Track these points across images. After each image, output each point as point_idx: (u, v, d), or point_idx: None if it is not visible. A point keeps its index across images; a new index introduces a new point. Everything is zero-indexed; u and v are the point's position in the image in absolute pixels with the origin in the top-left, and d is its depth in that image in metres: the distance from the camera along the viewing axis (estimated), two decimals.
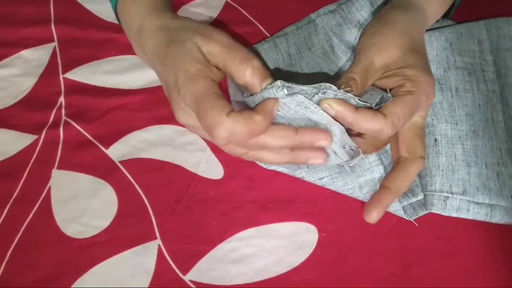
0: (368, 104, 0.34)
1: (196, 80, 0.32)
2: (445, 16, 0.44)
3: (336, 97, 0.33)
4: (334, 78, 0.44)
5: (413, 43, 0.37)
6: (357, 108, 0.33)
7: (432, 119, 0.40)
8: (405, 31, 0.37)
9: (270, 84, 0.33)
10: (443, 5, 0.42)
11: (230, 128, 0.30)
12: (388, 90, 0.36)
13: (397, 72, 0.36)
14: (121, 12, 0.41)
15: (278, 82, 0.32)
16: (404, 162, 0.37)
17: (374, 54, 0.36)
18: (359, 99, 0.33)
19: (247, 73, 0.33)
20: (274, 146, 0.33)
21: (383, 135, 0.33)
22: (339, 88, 0.33)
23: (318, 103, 0.33)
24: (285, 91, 0.32)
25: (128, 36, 0.42)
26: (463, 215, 0.39)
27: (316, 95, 0.32)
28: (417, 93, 0.34)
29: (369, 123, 0.33)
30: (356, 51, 0.38)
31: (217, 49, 0.34)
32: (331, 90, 0.32)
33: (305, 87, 0.32)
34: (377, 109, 0.34)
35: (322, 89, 0.32)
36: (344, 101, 0.33)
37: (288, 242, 0.40)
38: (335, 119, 0.33)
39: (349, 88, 0.33)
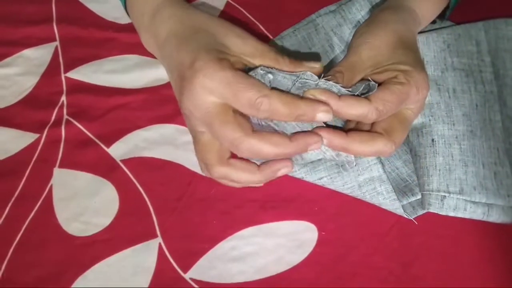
0: (351, 92, 0.34)
1: (223, 64, 0.32)
2: (441, 17, 0.44)
3: (317, 86, 0.33)
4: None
5: (404, 41, 0.37)
6: (340, 96, 0.33)
7: (430, 120, 0.40)
8: (396, 30, 0.37)
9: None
10: (435, 7, 0.42)
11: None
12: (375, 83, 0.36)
13: (389, 67, 0.36)
14: (130, 5, 0.41)
15: (259, 70, 0.33)
16: (373, 134, 0.35)
17: (363, 50, 0.36)
18: (341, 86, 0.34)
19: (286, 61, 0.35)
20: (269, 154, 0.33)
21: (368, 119, 0.33)
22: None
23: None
24: (270, 76, 0.33)
25: (137, 24, 0.42)
26: (460, 214, 0.39)
27: (296, 83, 0.33)
28: (408, 84, 0.34)
29: (352, 108, 0.33)
30: (347, 50, 0.39)
31: (248, 47, 0.35)
32: (311, 79, 0.33)
33: (287, 74, 0.34)
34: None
35: (302, 78, 0.33)
36: (327, 90, 0.33)
37: (288, 241, 0.40)
38: None
39: (330, 76, 0.34)
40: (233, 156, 0.36)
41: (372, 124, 0.36)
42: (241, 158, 0.36)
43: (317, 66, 0.36)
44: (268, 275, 0.39)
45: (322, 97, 0.33)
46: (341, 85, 0.34)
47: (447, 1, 0.43)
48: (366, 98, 0.34)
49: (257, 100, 0.31)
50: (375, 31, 0.37)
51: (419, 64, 0.37)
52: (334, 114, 0.33)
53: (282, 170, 0.36)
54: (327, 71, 0.44)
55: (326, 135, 0.34)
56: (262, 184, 0.38)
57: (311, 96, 0.33)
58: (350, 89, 0.34)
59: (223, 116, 0.32)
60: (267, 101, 0.31)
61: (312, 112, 0.32)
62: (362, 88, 0.35)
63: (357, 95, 0.34)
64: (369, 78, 0.36)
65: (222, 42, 0.34)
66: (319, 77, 0.34)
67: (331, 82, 0.34)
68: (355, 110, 0.33)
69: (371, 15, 0.41)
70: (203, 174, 0.39)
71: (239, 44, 0.35)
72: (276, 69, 0.34)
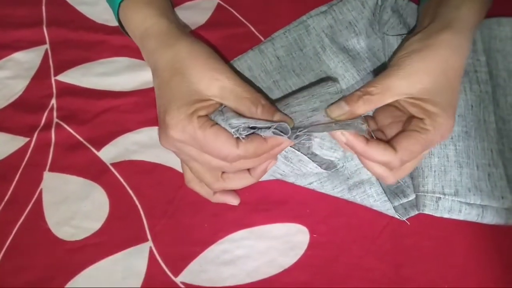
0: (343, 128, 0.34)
1: (192, 121, 0.33)
2: None
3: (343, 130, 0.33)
4: (325, 79, 0.44)
5: (448, 76, 0.35)
6: (368, 141, 0.33)
7: None
8: (447, 60, 0.34)
9: (279, 119, 0.35)
10: (484, 10, 0.39)
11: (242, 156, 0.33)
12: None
13: (420, 104, 0.34)
14: (124, 14, 0.41)
15: (233, 127, 0.33)
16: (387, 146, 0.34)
17: (402, 77, 0.34)
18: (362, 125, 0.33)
19: (258, 111, 0.35)
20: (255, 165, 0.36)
21: (391, 167, 0.34)
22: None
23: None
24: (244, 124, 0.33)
25: (132, 38, 0.42)
26: (455, 215, 0.39)
27: (267, 131, 0.33)
28: (433, 133, 0.33)
29: (378, 156, 0.33)
30: (392, 59, 0.36)
31: (223, 90, 0.35)
32: (282, 134, 0.33)
33: (260, 123, 0.34)
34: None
35: (274, 132, 0.33)
36: (356, 133, 0.33)
37: (280, 244, 0.40)
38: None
39: (360, 93, 0.34)
40: None
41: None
42: None
43: (342, 112, 0.34)
44: (260, 278, 0.39)
45: (351, 137, 0.33)
46: (365, 125, 0.33)
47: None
48: (391, 143, 0.33)
49: (227, 158, 0.33)
50: (424, 54, 0.35)
51: (451, 108, 0.34)
52: (359, 156, 0.34)
53: (270, 165, 0.37)
54: (326, 78, 0.44)
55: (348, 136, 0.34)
56: None
57: (341, 136, 0.33)
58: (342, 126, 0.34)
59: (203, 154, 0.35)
60: (235, 157, 0.33)
61: (277, 149, 0.34)
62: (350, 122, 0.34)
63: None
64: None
65: (196, 88, 0.35)
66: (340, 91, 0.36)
67: (362, 126, 0.33)
68: (380, 157, 0.33)
69: (428, 29, 0.36)
70: (202, 195, 0.40)
71: (213, 88, 0.35)
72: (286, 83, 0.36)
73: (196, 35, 0.47)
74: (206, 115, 0.34)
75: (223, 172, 0.37)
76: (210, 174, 0.36)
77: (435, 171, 0.39)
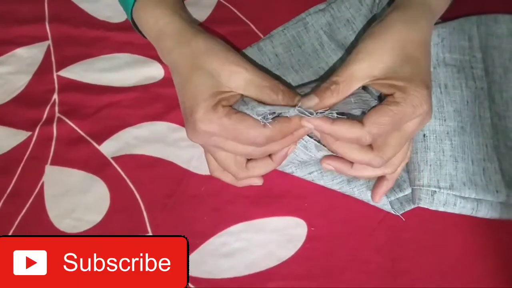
0: (346, 114, 0.35)
1: (218, 111, 0.34)
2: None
3: (313, 116, 0.34)
4: (324, 77, 0.45)
5: (407, 48, 0.35)
6: (334, 120, 0.34)
7: None
8: (400, 33, 0.35)
9: (299, 101, 0.35)
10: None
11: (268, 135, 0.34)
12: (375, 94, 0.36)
13: (386, 83, 0.35)
14: (137, 14, 0.42)
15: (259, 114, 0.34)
16: (364, 147, 0.35)
17: (362, 60, 0.35)
18: (336, 113, 0.34)
19: (279, 98, 0.35)
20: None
21: (363, 142, 0.34)
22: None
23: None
24: (262, 110, 0.34)
25: (147, 37, 0.43)
26: (450, 209, 0.39)
27: (291, 110, 0.34)
28: (403, 104, 0.33)
29: (346, 133, 0.33)
30: (353, 49, 0.38)
31: (242, 82, 0.36)
32: (306, 112, 0.34)
33: (281, 108, 0.34)
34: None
35: (299, 110, 0.34)
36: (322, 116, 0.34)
37: (278, 236, 0.40)
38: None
39: (326, 85, 0.35)
40: None
41: None
42: None
43: (313, 103, 0.35)
44: (258, 270, 0.39)
45: (317, 121, 0.33)
46: (336, 112, 0.34)
47: None
48: (360, 121, 0.34)
49: (255, 140, 0.34)
50: (379, 35, 0.36)
51: (419, 77, 0.35)
52: (329, 137, 0.35)
53: (290, 150, 0.38)
54: (325, 76, 0.45)
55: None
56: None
57: (307, 123, 0.34)
58: (344, 115, 0.34)
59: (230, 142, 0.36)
60: (263, 139, 0.34)
61: (301, 131, 0.35)
62: (354, 102, 0.35)
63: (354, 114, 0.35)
64: (366, 91, 0.36)
65: (217, 81, 0.36)
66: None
67: (326, 114, 0.34)
68: (348, 134, 0.33)
69: (382, 15, 0.39)
70: (226, 182, 0.40)
71: (233, 80, 0.36)
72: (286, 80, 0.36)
73: (206, 29, 0.47)
74: (230, 106, 0.35)
75: (247, 162, 0.38)
76: (236, 164, 0.37)
77: (430, 165, 0.40)
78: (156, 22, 0.40)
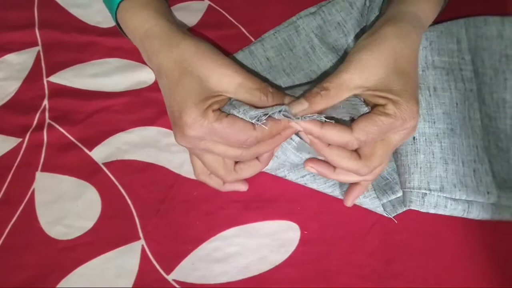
0: (331, 115, 0.35)
1: (207, 115, 0.34)
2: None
3: (301, 120, 0.34)
4: (315, 79, 0.45)
5: (399, 62, 0.36)
6: (323, 123, 0.34)
7: None
8: (394, 47, 0.36)
9: (289, 101, 0.36)
10: (436, 6, 0.41)
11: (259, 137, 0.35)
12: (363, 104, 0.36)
13: (379, 94, 0.35)
14: (122, 16, 0.41)
15: (243, 108, 0.35)
16: (352, 154, 0.35)
17: (356, 69, 0.35)
18: (325, 117, 0.34)
19: (269, 99, 0.36)
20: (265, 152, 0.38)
21: (350, 148, 0.35)
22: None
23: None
24: (254, 114, 0.34)
25: (131, 40, 0.42)
26: (441, 211, 0.39)
27: (278, 113, 0.34)
28: (393, 116, 0.34)
29: (334, 136, 0.34)
30: (346, 57, 0.37)
31: (231, 85, 0.36)
32: (294, 116, 0.34)
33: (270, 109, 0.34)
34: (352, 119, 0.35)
35: (284, 113, 0.34)
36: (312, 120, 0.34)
37: (271, 241, 0.40)
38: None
39: (316, 90, 0.35)
40: None
41: None
42: None
43: (302, 108, 0.35)
44: (251, 275, 0.39)
45: (306, 124, 0.34)
46: (324, 116, 0.34)
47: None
48: (349, 127, 0.34)
49: (245, 142, 0.35)
50: (372, 48, 0.36)
51: (410, 92, 0.35)
52: (317, 139, 0.35)
53: (275, 149, 0.38)
54: (316, 78, 0.45)
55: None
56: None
57: (296, 125, 0.34)
58: (333, 119, 0.34)
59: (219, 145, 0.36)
60: (253, 140, 0.35)
61: (289, 131, 0.36)
62: (342, 107, 0.35)
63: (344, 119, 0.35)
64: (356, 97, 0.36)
65: (206, 85, 0.36)
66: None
67: (314, 116, 0.34)
68: (336, 138, 0.34)
69: (373, 26, 0.39)
70: (211, 186, 0.41)
71: (223, 84, 0.36)
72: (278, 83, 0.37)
73: (194, 33, 0.47)
74: (219, 109, 0.36)
75: (235, 164, 0.38)
76: (225, 167, 0.38)
77: (421, 168, 0.40)
78: (142, 24, 0.40)
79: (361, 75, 0.35)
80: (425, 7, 0.39)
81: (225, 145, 0.35)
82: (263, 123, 0.34)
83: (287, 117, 0.34)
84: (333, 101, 0.35)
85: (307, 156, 0.38)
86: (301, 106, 0.34)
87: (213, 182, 0.40)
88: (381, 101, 0.35)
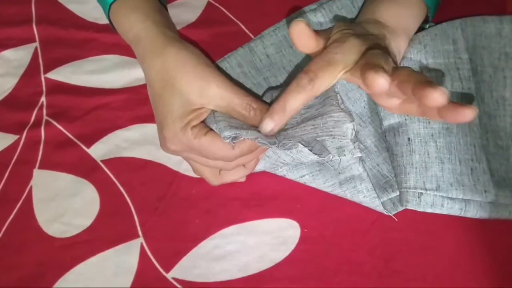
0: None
1: (187, 132, 0.35)
2: (425, 21, 0.44)
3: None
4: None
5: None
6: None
7: (405, 119, 0.41)
8: (365, 40, 0.34)
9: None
10: (408, 13, 0.41)
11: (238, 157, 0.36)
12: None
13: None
14: (114, 18, 0.41)
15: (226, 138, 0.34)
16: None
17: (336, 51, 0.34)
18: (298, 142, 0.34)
19: (251, 115, 0.36)
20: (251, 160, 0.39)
21: None
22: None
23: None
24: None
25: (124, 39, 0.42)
26: (437, 210, 0.39)
27: (254, 139, 0.34)
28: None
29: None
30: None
31: (215, 99, 0.36)
32: (268, 144, 0.34)
33: (249, 137, 0.34)
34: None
35: (260, 142, 0.34)
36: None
37: (271, 238, 0.40)
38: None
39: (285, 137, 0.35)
40: None
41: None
42: None
43: (269, 128, 0.33)
44: (251, 273, 0.39)
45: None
46: (297, 140, 0.34)
47: (425, 8, 0.42)
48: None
49: (224, 159, 0.36)
50: (344, 40, 0.34)
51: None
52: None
53: (261, 155, 0.40)
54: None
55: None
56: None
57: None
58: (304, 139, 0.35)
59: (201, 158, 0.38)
60: (232, 157, 0.36)
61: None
62: (316, 110, 0.36)
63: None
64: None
65: (187, 98, 0.35)
66: None
67: (286, 144, 0.34)
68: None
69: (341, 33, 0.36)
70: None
71: (204, 96, 0.35)
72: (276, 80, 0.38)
73: (185, 33, 0.47)
74: (201, 123, 0.36)
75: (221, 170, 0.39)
76: (210, 172, 0.39)
77: (416, 168, 0.40)
78: (131, 28, 0.40)
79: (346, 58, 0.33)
80: (393, 15, 0.40)
81: (205, 159, 0.36)
82: (240, 140, 0.34)
83: (264, 144, 0.34)
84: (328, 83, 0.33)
85: (297, 154, 0.38)
86: (268, 126, 0.33)
87: (206, 180, 0.41)
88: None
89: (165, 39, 0.38)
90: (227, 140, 0.34)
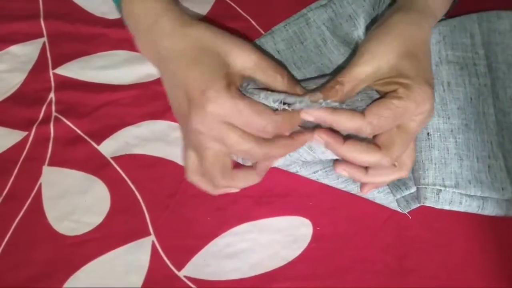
0: (351, 107, 0.35)
1: (232, 94, 0.33)
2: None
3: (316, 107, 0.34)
4: (329, 74, 0.44)
5: (410, 47, 0.36)
6: (335, 109, 0.34)
7: None
8: (403, 34, 0.36)
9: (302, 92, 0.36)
10: None
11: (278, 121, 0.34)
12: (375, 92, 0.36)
13: (390, 81, 0.35)
14: (128, 7, 0.40)
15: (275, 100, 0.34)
16: (369, 147, 0.35)
17: (366, 62, 0.35)
18: (339, 104, 0.34)
19: (285, 81, 0.35)
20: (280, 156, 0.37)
21: (363, 133, 0.34)
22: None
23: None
24: (274, 97, 0.34)
25: (134, 32, 0.40)
26: (455, 207, 0.39)
27: (297, 103, 0.34)
28: (406, 99, 0.33)
29: (347, 122, 0.33)
30: (357, 50, 0.38)
31: (251, 62, 0.35)
32: (313, 104, 0.34)
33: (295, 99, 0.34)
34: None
35: (304, 101, 0.34)
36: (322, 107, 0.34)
37: (283, 236, 0.40)
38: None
39: (330, 86, 0.35)
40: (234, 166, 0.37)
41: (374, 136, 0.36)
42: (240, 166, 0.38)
43: (317, 99, 0.34)
44: (263, 271, 0.38)
45: (317, 112, 0.34)
46: (339, 104, 0.34)
47: None
48: (362, 112, 0.34)
49: (266, 126, 0.33)
50: (381, 37, 0.36)
51: (422, 75, 0.35)
52: (331, 126, 0.34)
53: (273, 162, 0.38)
54: (327, 72, 0.44)
55: (324, 136, 0.35)
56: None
57: (307, 115, 0.34)
58: (349, 106, 0.34)
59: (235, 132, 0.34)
60: (274, 125, 0.33)
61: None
62: (361, 99, 0.35)
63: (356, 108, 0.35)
64: (372, 89, 0.36)
65: (225, 61, 0.35)
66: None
67: (336, 104, 0.34)
68: (349, 124, 0.33)
69: (383, 16, 0.39)
70: (202, 188, 0.38)
71: (241, 61, 0.35)
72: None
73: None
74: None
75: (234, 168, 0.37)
76: (222, 167, 0.36)
77: (435, 164, 0.39)
78: (153, 10, 0.38)
79: (373, 66, 0.35)
80: None
81: (240, 132, 0.33)
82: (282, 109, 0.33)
83: (307, 106, 0.33)
84: (348, 95, 0.35)
85: (321, 155, 0.38)
86: (315, 98, 0.34)
87: (205, 184, 0.38)
88: (393, 87, 0.34)
89: (193, 18, 0.37)
90: (277, 103, 0.33)
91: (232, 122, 0.33)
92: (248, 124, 0.33)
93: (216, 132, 0.34)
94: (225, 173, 0.36)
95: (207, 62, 0.34)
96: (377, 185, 0.39)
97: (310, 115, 0.34)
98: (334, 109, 0.33)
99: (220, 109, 0.33)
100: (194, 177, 0.38)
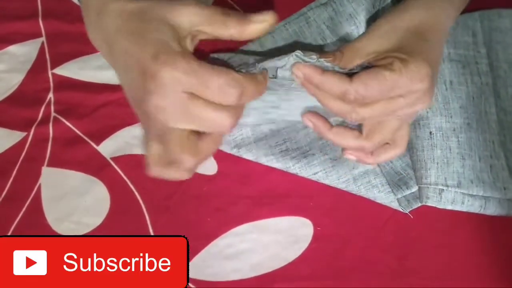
0: (343, 70, 0.34)
1: (186, 55, 0.31)
2: None
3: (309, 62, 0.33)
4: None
5: (419, 27, 0.35)
6: (323, 71, 0.33)
7: (427, 112, 0.40)
8: (415, 16, 0.35)
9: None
10: None
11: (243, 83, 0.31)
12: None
13: (390, 54, 0.34)
14: None
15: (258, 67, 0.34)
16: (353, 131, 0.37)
17: (372, 37, 0.35)
18: (331, 65, 0.33)
19: (233, 19, 0.33)
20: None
21: (348, 100, 0.33)
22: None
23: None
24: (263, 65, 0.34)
25: (85, 18, 0.38)
26: (458, 207, 0.39)
27: (291, 57, 0.33)
28: (397, 73, 0.32)
29: (333, 85, 0.32)
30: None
31: (196, 15, 0.32)
32: (310, 59, 0.33)
33: (282, 57, 0.34)
34: None
35: (299, 57, 0.33)
36: (312, 65, 0.33)
37: (284, 237, 0.39)
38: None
39: (329, 54, 0.34)
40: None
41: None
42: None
43: (267, 18, 0.33)
44: (264, 271, 0.38)
45: (307, 70, 0.33)
46: (337, 66, 0.33)
47: None
48: (350, 78, 0.32)
49: (226, 84, 0.30)
50: (393, 17, 0.36)
51: (426, 54, 0.33)
52: (317, 89, 0.34)
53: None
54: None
55: (314, 119, 0.37)
56: None
57: (297, 71, 0.33)
58: (342, 69, 0.34)
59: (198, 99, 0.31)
60: (235, 83, 0.30)
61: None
62: (357, 68, 0.34)
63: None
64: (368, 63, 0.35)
65: (172, 24, 0.32)
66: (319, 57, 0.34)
67: (328, 64, 0.33)
68: (335, 86, 0.32)
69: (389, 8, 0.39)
70: (171, 178, 0.35)
71: (187, 20, 0.32)
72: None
73: None
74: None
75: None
76: (191, 145, 0.33)
77: (437, 163, 0.39)
78: None
79: (376, 41, 0.35)
80: None
81: (204, 99, 0.30)
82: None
83: (300, 60, 0.32)
84: (345, 65, 0.34)
85: (283, 94, 0.36)
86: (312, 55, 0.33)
87: (174, 173, 0.34)
88: (390, 60, 0.33)
89: None
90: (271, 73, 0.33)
91: (192, 87, 0.30)
92: (206, 84, 0.30)
93: (178, 102, 0.31)
94: (195, 152, 0.33)
95: (156, 30, 0.32)
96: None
97: (300, 71, 0.33)
98: (324, 70, 0.33)
99: (176, 72, 0.30)
100: (158, 169, 0.34)
